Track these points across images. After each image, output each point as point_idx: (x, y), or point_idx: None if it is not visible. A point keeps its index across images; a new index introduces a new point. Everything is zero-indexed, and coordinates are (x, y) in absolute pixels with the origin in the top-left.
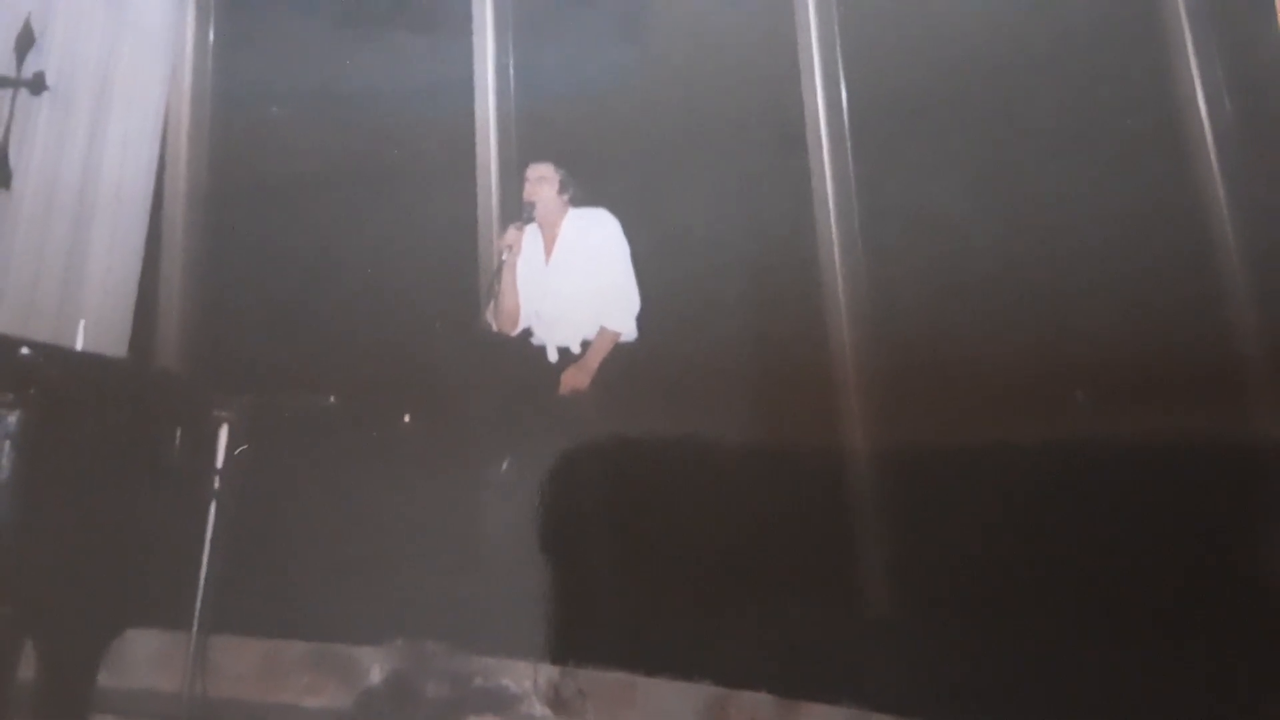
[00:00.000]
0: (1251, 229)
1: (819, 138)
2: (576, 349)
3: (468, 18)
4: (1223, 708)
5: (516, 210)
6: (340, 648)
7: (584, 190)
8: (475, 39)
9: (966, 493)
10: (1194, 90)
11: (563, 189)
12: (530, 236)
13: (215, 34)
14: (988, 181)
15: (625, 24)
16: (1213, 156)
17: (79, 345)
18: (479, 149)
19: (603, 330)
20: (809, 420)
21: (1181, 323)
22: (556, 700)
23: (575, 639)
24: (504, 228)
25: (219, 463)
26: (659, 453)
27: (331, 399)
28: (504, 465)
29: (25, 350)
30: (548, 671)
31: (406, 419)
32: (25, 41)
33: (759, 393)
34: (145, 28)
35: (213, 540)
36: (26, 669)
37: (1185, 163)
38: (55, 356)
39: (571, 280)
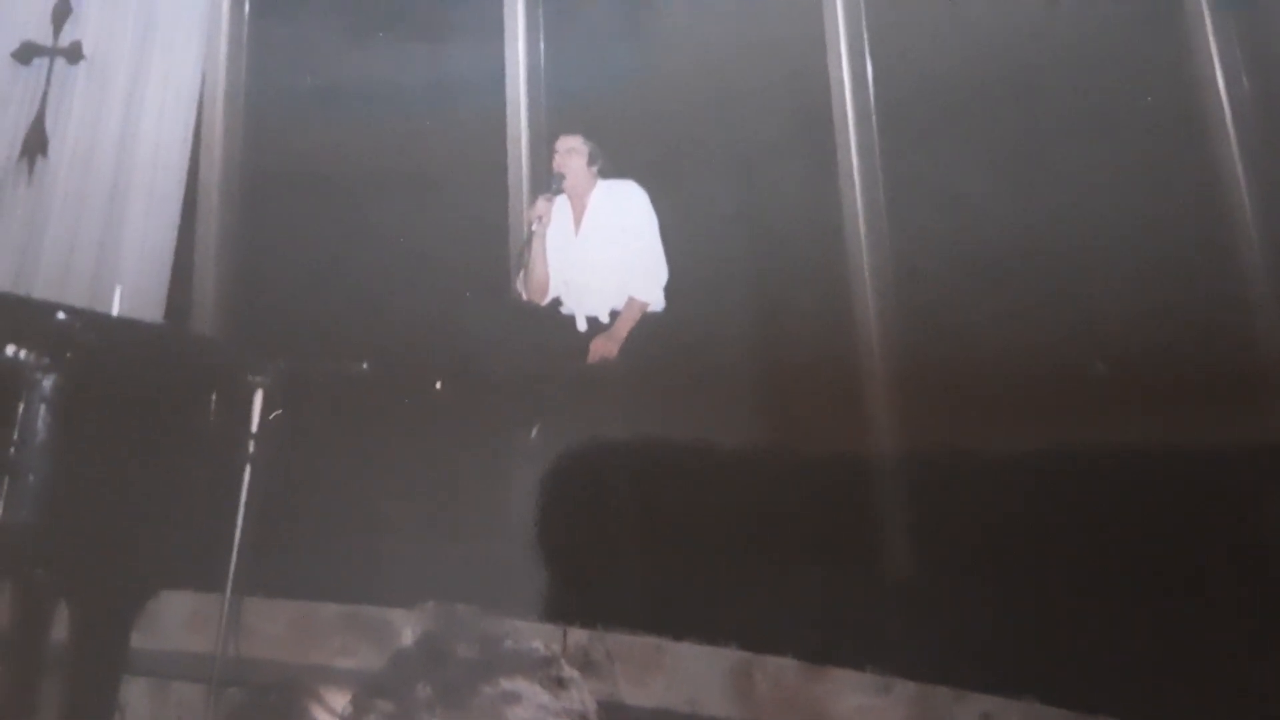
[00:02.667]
0: (1271, 207)
1: (844, 109)
2: (605, 318)
3: None
4: (1235, 664)
5: (546, 181)
6: (372, 610)
7: (612, 162)
8: (507, 16)
9: (988, 459)
10: (1213, 70)
11: (591, 160)
12: (560, 207)
13: (250, 4)
14: (1011, 159)
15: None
16: (1231, 135)
17: (115, 310)
18: (509, 121)
19: (631, 300)
20: (832, 390)
21: (1202, 301)
22: (585, 662)
23: (604, 603)
24: (534, 198)
25: (253, 427)
26: (685, 420)
27: (364, 365)
28: (533, 432)
29: (62, 315)
30: (576, 635)
31: (438, 385)
32: (62, 11)
33: (784, 362)
34: None
35: (246, 504)
36: (60, 630)
37: (1204, 141)
38: (92, 321)
39: (600, 251)
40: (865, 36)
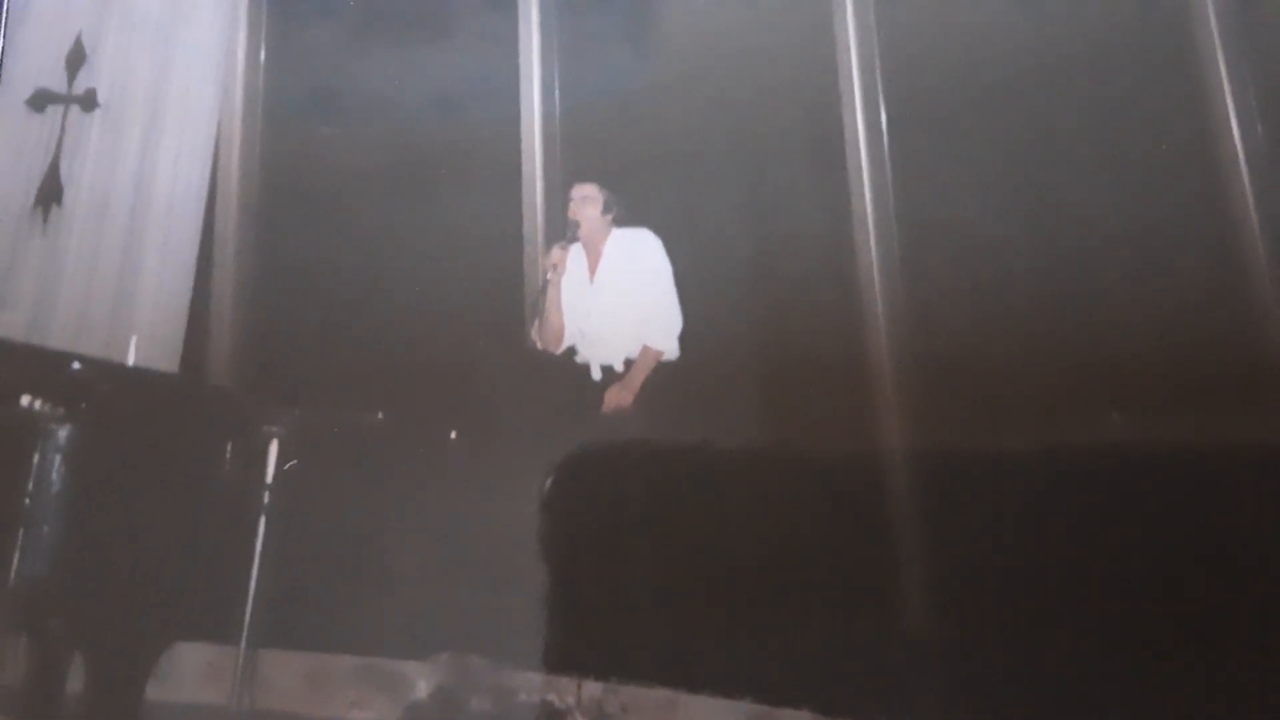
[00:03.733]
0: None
1: (858, 154)
2: (620, 368)
3: (514, 36)
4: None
5: (561, 229)
6: (386, 662)
7: (627, 210)
8: (521, 58)
9: (1006, 508)
10: (1227, 114)
11: (606, 209)
12: (574, 256)
13: (266, 50)
14: (1025, 198)
15: (666, 41)
16: (1245, 179)
17: (130, 360)
18: (524, 168)
19: (645, 349)
20: (848, 435)
21: (1214, 337)
22: (600, 716)
23: (619, 656)
24: (549, 246)
25: (269, 478)
26: (700, 470)
27: (379, 415)
28: (548, 482)
29: (77, 365)
30: (591, 688)
31: (453, 435)
32: (76, 58)
33: (798, 409)
34: (197, 46)
35: (262, 554)
36: (76, 681)
37: (1218, 185)
38: (107, 371)
39: (615, 299)
40: (879, 79)
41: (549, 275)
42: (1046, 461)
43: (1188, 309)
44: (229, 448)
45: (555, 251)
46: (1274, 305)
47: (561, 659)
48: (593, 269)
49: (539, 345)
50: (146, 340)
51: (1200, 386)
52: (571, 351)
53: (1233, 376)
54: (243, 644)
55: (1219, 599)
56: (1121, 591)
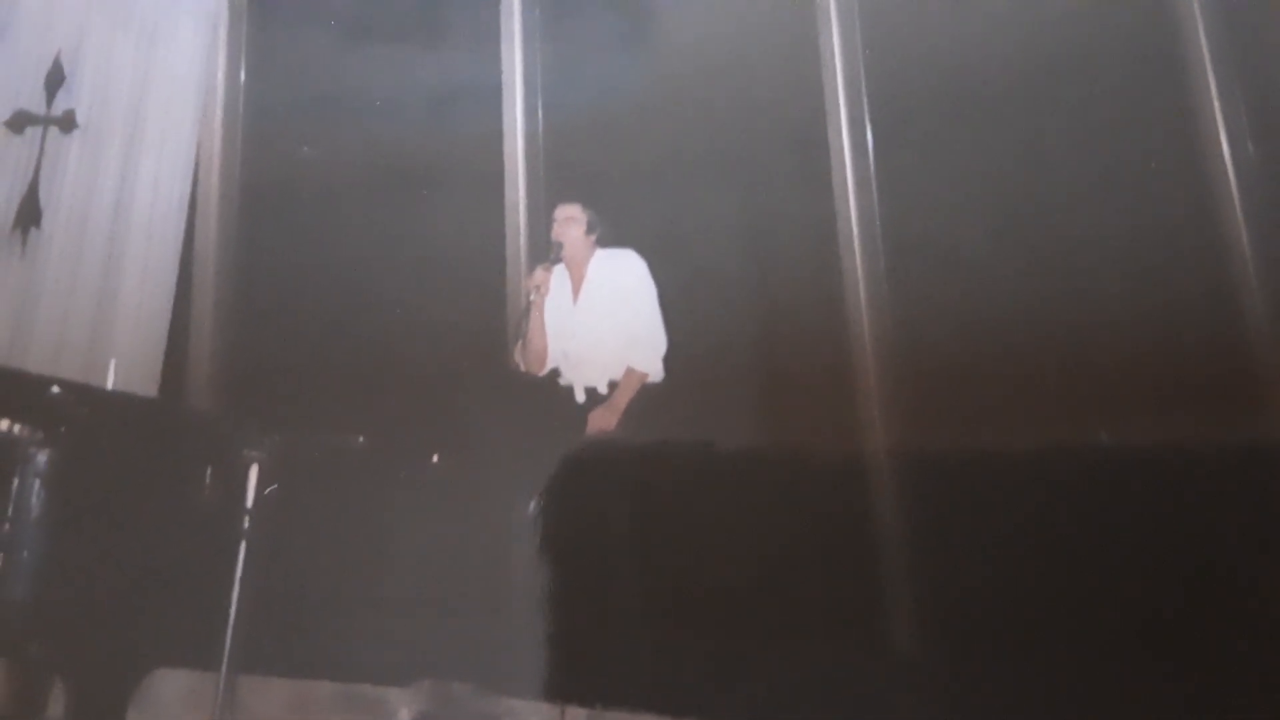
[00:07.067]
0: (1272, 266)
1: (843, 168)
2: (604, 389)
3: (496, 53)
4: None
5: (544, 250)
6: (368, 688)
7: (611, 230)
8: (504, 77)
9: (994, 532)
10: (1218, 133)
11: (590, 229)
12: (558, 277)
13: (246, 72)
14: (1012, 215)
15: (651, 56)
16: (1235, 198)
17: (110, 384)
18: (507, 189)
19: (629, 371)
20: (834, 457)
21: (1202, 351)
22: None
23: (602, 681)
24: (532, 267)
25: (249, 502)
26: (685, 493)
27: (360, 439)
28: (532, 506)
29: (56, 389)
30: (574, 714)
31: (435, 459)
32: (55, 79)
33: (784, 431)
34: (176, 66)
35: (242, 580)
36: (56, 707)
37: (1207, 198)
38: (86, 395)
39: (599, 321)
40: (864, 91)
41: (532, 296)
42: (1033, 477)
43: (1174, 320)
44: (209, 472)
45: (538, 273)
46: (1261, 316)
47: (545, 685)
48: (576, 290)
49: (522, 367)
50: (126, 363)
51: (1186, 396)
52: (555, 373)
53: (1219, 386)
54: (223, 670)
55: (1206, 614)
56: (1108, 609)
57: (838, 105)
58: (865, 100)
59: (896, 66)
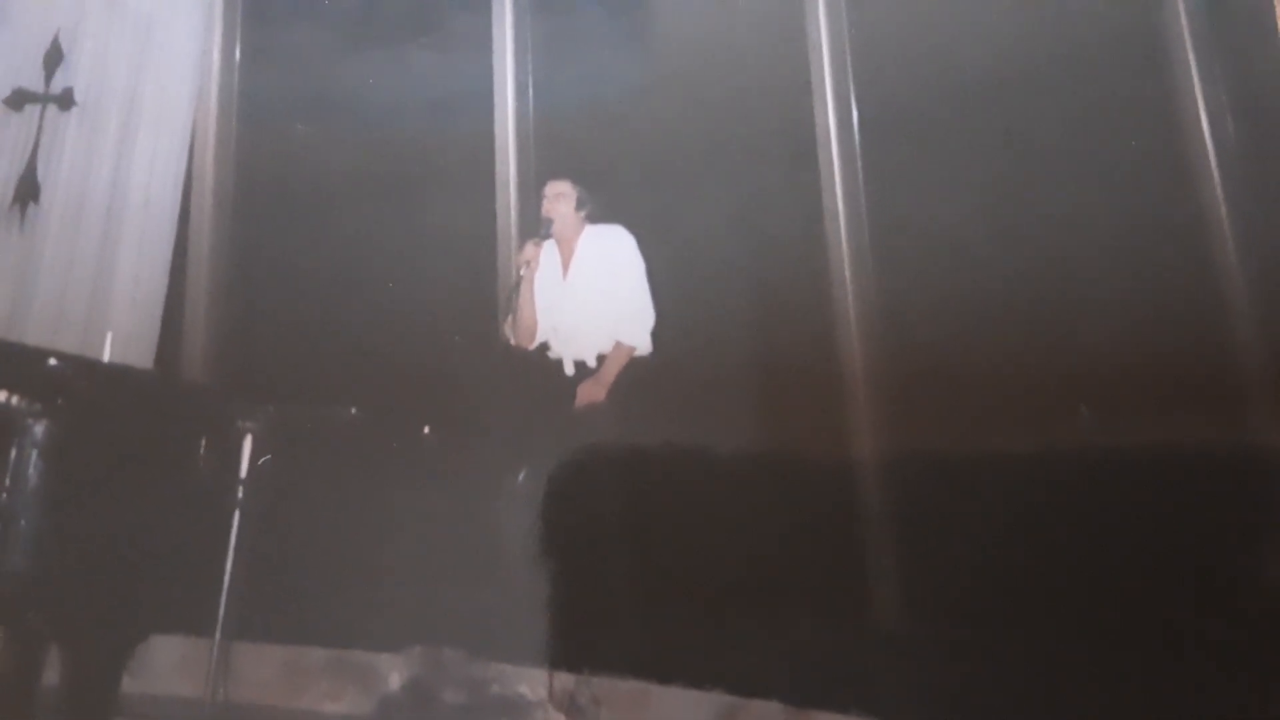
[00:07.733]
0: (1254, 249)
1: (830, 154)
2: (592, 363)
3: (487, 36)
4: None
5: (535, 226)
6: (359, 654)
7: (601, 207)
8: (495, 58)
9: (977, 504)
10: (1198, 113)
11: (580, 205)
12: (548, 252)
13: (241, 52)
14: (996, 200)
15: (640, 43)
16: (1216, 177)
17: (106, 357)
18: (498, 166)
19: (618, 344)
20: (820, 432)
21: (1185, 338)
22: (571, 707)
23: (590, 648)
24: (522, 243)
25: (243, 473)
26: (672, 464)
27: (353, 410)
28: (521, 476)
29: (53, 361)
30: (563, 679)
31: (426, 430)
32: (54, 58)
33: (770, 405)
34: (172, 46)
35: (236, 548)
36: (51, 674)
37: (1189, 183)
38: (83, 368)
39: (588, 295)
40: (850, 80)
41: (522, 271)
42: (1018, 460)
43: (1160, 308)
44: (203, 443)
45: (528, 248)
46: (1245, 304)
47: (534, 651)
48: (566, 265)
49: (512, 341)
50: (122, 337)
51: (1172, 386)
52: (544, 347)
53: (1205, 376)
54: (217, 637)
55: (1191, 596)
56: (1092, 587)
57: (825, 87)
58: (851, 82)
59: (883, 50)
